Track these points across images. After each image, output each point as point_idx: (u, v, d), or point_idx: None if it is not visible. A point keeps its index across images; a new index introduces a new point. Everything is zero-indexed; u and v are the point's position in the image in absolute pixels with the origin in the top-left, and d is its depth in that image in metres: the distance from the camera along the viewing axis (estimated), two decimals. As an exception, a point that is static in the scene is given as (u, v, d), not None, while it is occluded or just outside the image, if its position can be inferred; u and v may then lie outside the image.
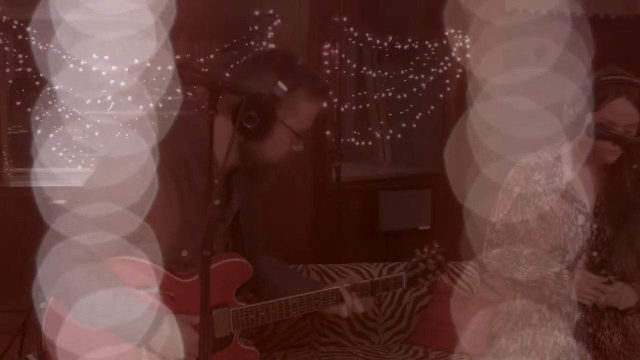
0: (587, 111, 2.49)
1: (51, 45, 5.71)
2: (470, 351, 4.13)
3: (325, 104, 5.76)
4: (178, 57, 5.45)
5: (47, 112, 6.12)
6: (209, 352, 1.82)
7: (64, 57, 5.59)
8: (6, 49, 5.58)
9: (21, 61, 5.68)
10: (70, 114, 5.99)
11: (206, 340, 1.81)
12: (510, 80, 6.19)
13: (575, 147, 2.60)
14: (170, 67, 5.56)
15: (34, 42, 5.49)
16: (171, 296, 2.13)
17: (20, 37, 5.51)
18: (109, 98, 5.81)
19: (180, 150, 2.13)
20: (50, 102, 5.85)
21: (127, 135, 2.06)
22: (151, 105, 5.63)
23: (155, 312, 2.05)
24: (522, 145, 2.91)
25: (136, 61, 5.52)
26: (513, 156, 2.78)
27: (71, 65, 5.58)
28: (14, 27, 5.48)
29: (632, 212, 2.53)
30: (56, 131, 6.04)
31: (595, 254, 2.57)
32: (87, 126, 6.03)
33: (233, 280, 2.28)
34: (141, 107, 5.81)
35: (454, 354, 4.14)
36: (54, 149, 6.13)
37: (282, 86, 2.12)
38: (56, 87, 5.66)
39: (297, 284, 2.46)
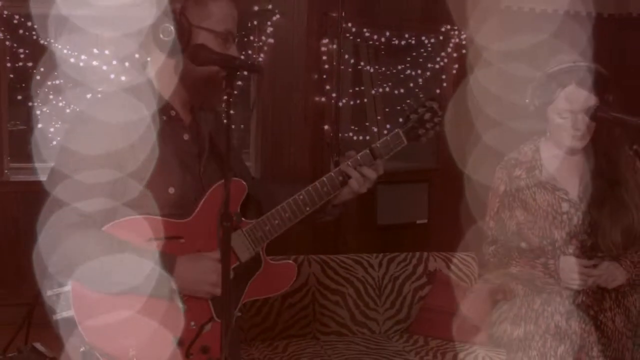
0: (547, 104, 2.60)
1: (52, 40, 5.75)
2: (470, 340, 4.19)
3: (324, 99, 5.85)
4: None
5: (46, 108, 6.15)
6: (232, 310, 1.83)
7: (65, 51, 5.63)
8: (7, 43, 5.59)
9: (22, 56, 5.69)
10: (71, 108, 6.02)
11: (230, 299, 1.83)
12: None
13: (548, 138, 2.69)
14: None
15: (35, 37, 5.52)
16: (180, 241, 2.10)
17: (21, 31, 5.53)
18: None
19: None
20: (50, 97, 5.88)
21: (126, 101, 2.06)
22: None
23: (166, 256, 2.03)
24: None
25: (137, 56, 5.56)
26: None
27: (72, 60, 5.61)
28: (15, 21, 5.50)
29: (612, 188, 2.59)
30: (56, 126, 6.05)
31: (585, 237, 2.62)
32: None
33: (235, 199, 2.16)
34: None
35: (454, 342, 4.20)
36: (54, 143, 6.15)
37: None
38: (57, 82, 5.70)
39: (293, 188, 2.27)
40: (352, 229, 6.21)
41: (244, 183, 2.21)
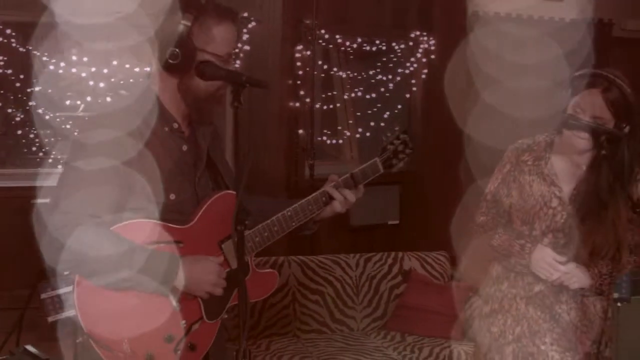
0: (572, 95, 2.70)
1: (30, 47, 5.83)
2: (445, 335, 4.37)
3: (298, 104, 5.99)
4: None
5: (21, 114, 6.23)
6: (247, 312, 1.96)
7: (44, 59, 5.72)
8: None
9: (1, 63, 5.76)
10: (48, 115, 6.09)
11: (245, 302, 1.99)
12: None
13: (560, 138, 2.79)
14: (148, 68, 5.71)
15: (14, 44, 5.59)
16: (180, 245, 2.24)
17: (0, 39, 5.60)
18: (88, 99, 5.90)
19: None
20: (30, 104, 5.96)
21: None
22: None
23: (172, 257, 2.19)
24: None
25: (114, 63, 5.66)
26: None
27: (51, 67, 5.69)
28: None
29: (600, 209, 2.68)
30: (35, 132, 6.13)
31: (560, 235, 2.76)
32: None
33: (227, 211, 2.27)
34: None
35: (430, 337, 4.37)
36: (34, 149, 6.23)
37: (187, 18, 2.21)
38: (36, 89, 5.78)
39: (282, 205, 2.49)
40: (327, 230, 6.34)
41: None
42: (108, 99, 5.97)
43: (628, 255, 2.71)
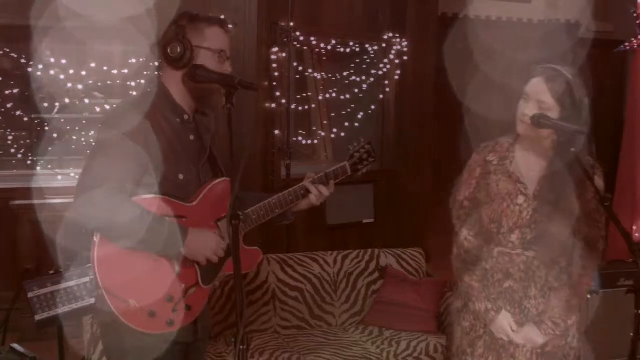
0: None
1: (7, 49, 5.88)
2: (421, 329, 4.49)
3: (274, 105, 6.09)
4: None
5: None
6: (244, 300, 2.11)
7: (22, 61, 5.77)
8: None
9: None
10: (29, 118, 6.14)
11: (241, 290, 2.15)
12: None
13: (522, 135, 2.90)
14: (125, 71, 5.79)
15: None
16: (183, 220, 2.59)
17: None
18: (66, 101, 5.95)
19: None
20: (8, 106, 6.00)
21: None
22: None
23: (181, 227, 2.54)
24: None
25: (92, 65, 5.73)
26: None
27: (29, 70, 5.74)
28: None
29: (561, 204, 2.80)
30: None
31: (527, 231, 2.84)
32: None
33: (225, 195, 2.73)
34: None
35: (407, 332, 4.49)
36: (12, 151, 6.27)
37: (183, 20, 2.62)
38: (14, 91, 5.82)
39: (264, 196, 2.89)
40: (303, 229, 6.46)
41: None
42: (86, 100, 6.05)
43: (582, 248, 2.81)
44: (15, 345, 3.72)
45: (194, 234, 2.58)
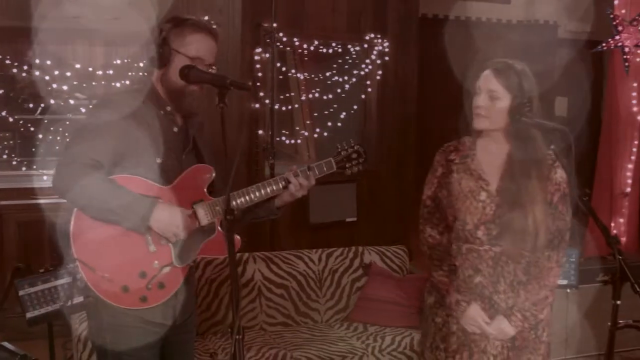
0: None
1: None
2: (405, 324, 4.58)
3: (258, 105, 6.16)
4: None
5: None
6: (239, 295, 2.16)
7: (7, 62, 5.79)
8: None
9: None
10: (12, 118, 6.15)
11: (236, 286, 2.23)
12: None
13: (479, 130, 2.98)
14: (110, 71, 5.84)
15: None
16: (159, 200, 2.66)
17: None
18: (51, 102, 5.98)
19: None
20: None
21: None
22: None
23: (150, 199, 2.62)
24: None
25: (77, 66, 5.76)
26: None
27: (14, 70, 5.77)
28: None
29: (522, 196, 2.86)
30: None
31: (492, 226, 2.90)
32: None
33: (202, 180, 2.80)
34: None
35: (391, 327, 4.57)
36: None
37: (167, 26, 2.72)
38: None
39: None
40: (287, 228, 6.53)
41: (211, 168, 2.84)
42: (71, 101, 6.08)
43: (546, 239, 2.88)
44: (5, 343, 3.76)
45: (162, 208, 2.63)
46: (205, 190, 2.82)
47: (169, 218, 2.64)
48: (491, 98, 2.86)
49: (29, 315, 3.50)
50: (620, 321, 2.65)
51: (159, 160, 2.68)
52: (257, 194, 2.85)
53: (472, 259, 2.94)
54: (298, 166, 2.96)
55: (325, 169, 2.98)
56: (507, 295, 2.94)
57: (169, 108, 2.77)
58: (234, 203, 2.79)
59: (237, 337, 2.05)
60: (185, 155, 2.82)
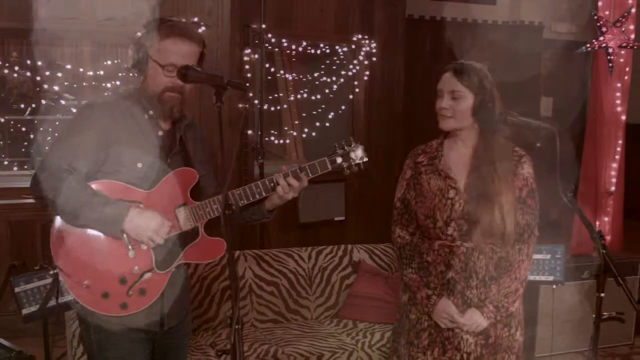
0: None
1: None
2: (393, 321, 4.63)
3: (246, 105, 6.21)
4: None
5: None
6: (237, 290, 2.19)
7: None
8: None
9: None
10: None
11: (236, 285, 2.24)
12: None
13: (445, 131, 3.09)
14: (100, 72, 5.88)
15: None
16: (140, 205, 2.67)
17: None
18: (43, 102, 6.03)
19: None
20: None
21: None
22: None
23: (123, 203, 2.63)
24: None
25: (68, 67, 5.81)
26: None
27: (6, 71, 5.81)
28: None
29: (489, 191, 2.95)
30: None
31: (462, 222, 2.98)
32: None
33: (184, 183, 2.75)
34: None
35: (380, 323, 4.64)
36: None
37: (143, 30, 2.69)
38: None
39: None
40: (277, 227, 6.59)
41: (196, 173, 2.79)
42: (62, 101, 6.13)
43: (515, 233, 2.97)
44: (1, 340, 3.82)
45: (135, 212, 2.62)
46: (188, 193, 2.77)
47: (144, 222, 2.61)
48: (454, 98, 2.97)
49: (24, 311, 3.55)
50: (605, 313, 2.72)
51: (139, 165, 2.66)
52: (242, 201, 2.74)
53: (444, 255, 3.01)
54: (288, 166, 2.80)
55: (319, 169, 2.79)
56: (480, 291, 3.01)
57: (151, 112, 2.74)
58: (215, 206, 2.71)
59: (237, 326, 2.09)
60: (171, 158, 2.77)
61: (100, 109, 2.69)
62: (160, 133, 2.76)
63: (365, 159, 2.84)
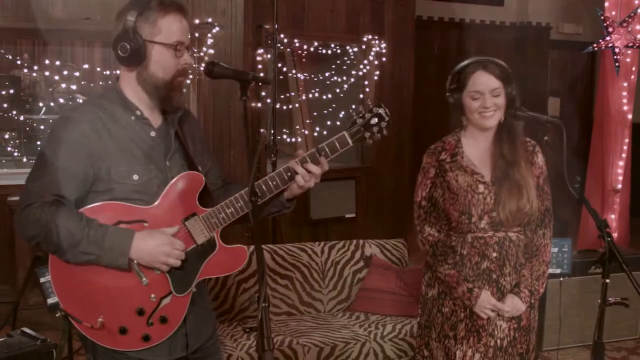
0: (462, 91, 3.12)
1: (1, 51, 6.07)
2: (405, 313, 4.75)
3: (260, 104, 6.33)
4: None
5: None
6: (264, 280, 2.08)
7: (17, 62, 5.96)
8: None
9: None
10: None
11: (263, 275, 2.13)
12: None
13: (468, 128, 3.19)
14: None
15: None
16: (144, 224, 2.41)
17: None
18: (52, 104, 6.15)
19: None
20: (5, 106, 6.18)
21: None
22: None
23: (126, 230, 2.36)
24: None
25: (85, 66, 5.94)
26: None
27: (25, 70, 5.94)
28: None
29: (511, 171, 3.06)
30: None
31: (494, 214, 3.08)
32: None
33: (190, 191, 2.47)
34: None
35: (391, 316, 4.75)
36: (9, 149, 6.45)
37: (132, 14, 2.38)
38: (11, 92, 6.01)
39: (245, 185, 2.53)
40: (288, 224, 6.72)
41: (202, 176, 2.52)
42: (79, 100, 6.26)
43: (538, 219, 3.12)
44: (26, 329, 3.94)
45: (142, 237, 2.36)
46: (196, 201, 2.50)
47: (153, 248, 2.36)
48: (495, 96, 3.05)
49: (50, 301, 3.64)
50: (610, 298, 2.83)
51: (135, 177, 2.40)
52: (259, 199, 2.43)
53: (478, 246, 3.11)
54: (302, 151, 2.53)
55: (338, 146, 2.51)
56: (512, 277, 3.13)
57: (139, 112, 2.47)
58: (229, 210, 2.47)
59: (264, 304, 2.11)
60: (170, 160, 2.51)
61: (77, 121, 2.37)
62: (153, 134, 2.49)
63: (387, 119, 2.55)
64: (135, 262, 2.37)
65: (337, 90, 7.30)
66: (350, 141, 2.52)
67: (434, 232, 3.20)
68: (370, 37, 7.15)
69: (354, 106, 7.39)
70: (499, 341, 3.14)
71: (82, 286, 2.39)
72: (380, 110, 2.54)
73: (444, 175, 3.15)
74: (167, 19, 2.41)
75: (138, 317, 2.41)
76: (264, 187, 2.49)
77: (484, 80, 3.06)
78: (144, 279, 2.40)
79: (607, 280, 2.78)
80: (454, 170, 3.14)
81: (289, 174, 2.50)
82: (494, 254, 3.11)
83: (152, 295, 2.42)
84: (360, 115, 2.54)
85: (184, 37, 2.45)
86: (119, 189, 2.38)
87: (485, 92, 3.05)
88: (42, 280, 3.67)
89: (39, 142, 6.75)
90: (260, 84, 2.45)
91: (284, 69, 7.02)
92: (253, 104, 6.35)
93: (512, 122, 3.09)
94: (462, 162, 3.14)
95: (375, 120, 2.53)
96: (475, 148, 3.17)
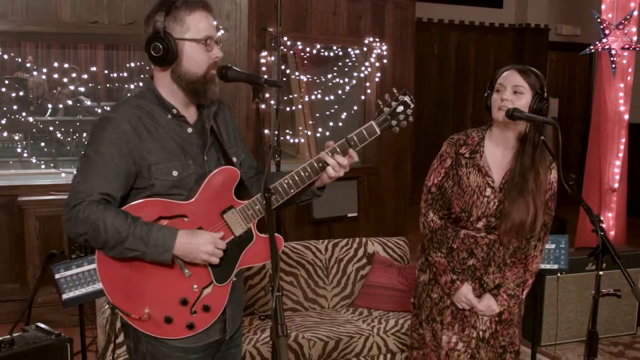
0: (492, 89, 3.18)
1: (12, 54, 6.17)
2: (407, 309, 4.86)
3: (263, 106, 6.45)
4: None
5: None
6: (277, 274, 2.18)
7: (27, 65, 6.08)
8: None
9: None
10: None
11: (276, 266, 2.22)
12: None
13: (493, 128, 3.24)
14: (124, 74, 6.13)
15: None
16: (185, 219, 2.51)
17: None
18: (60, 106, 6.26)
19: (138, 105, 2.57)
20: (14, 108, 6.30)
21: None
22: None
23: (169, 229, 2.46)
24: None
25: (94, 69, 6.06)
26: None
27: (34, 73, 6.05)
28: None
29: (522, 192, 3.10)
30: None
31: (492, 219, 3.17)
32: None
33: (227, 184, 2.56)
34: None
35: (394, 311, 4.87)
36: (18, 150, 6.55)
37: (160, 15, 2.46)
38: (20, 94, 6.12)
39: (277, 175, 2.64)
40: (291, 222, 6.85)
41: (237, 171, 2.60)
42: (86, 102, 6.37)
43: (538, 235, 3.20)
44: (41, 324, 4.06)
45: (184, 236, 2.47)
46: (232, 194, 2.59)
47: (195, 246, 2.48)
48: (515, 92, 3.08)
49: (64, 296, 3.75)
50: (603, 290, 2.95)
51: (175, 173, 2.50)
52: (292, 190, 2.57)
53: (468, 243, 3.23)
54: (332, 142, 2.60)
55: (366, 135, 2.58)
56: (495, 276, 3.25)
57: (175, 110, 2.56)
58: (264, 202, 2.46)
59: (278, 294, 2.20)
60: (207, 155, 2.59)
61: (117, 121, 2.47)
62: (190, 130, 2.59)
63: (412, 107, 2.60)
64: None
65: (339, 92, 7.43)
66: (378, 130, 2.59)
67: (437, 219, 3.28)
68: (371, 39, 7.28)
69: (355, 107, 7.52)
70: (480, 333, 3.26)
71: (128, 279, 2.52)
72: (406, 98, 2.60)
73: (457, 169, 3.21)
74: (193, 16, 2.47)
75: (182, 306, 2.54)
76: (296, 177, 2.58)
77: (511, 76, 3.10)
78: (186, 271, 2.52)
79: (601, 273, 2.89)
80: (469, 167, 3.19)
81: (320, 164, 2.57)
82: (482, 254, 3.23)
83: (195, 286, 2.54)
84: (387, 103, 2.60)
85: (212, 31, 2.53)
86: (159, 185, 2.49)
87: (507, 86, 3.09)
88: (57, 276, 3.77)
89: (43, 144, 6.88)
90: (273, 86, 2.57)
91: (287, 71, 7.15)
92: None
93: (537, 137, 3.10)
94: (479, 161, 3.18)
95: (401, 108, 2.59)
96: (496, 151, 3.22)
